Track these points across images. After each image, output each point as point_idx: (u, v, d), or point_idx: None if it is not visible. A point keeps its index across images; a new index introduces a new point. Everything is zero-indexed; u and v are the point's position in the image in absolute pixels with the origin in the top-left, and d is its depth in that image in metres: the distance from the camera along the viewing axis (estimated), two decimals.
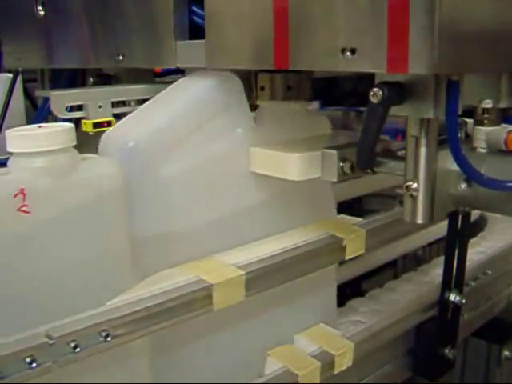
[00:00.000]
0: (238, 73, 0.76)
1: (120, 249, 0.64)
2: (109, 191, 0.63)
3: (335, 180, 0.71)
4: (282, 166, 0.74)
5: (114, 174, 0.64)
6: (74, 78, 1.07)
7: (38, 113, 1.04)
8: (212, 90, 0.74)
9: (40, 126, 0.62)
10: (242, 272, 0.68)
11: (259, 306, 0.77)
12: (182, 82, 0.78)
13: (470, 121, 0.74)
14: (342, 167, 0.70)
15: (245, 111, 0.77)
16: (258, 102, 0.82)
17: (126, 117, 0.75)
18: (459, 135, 0.62)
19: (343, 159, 0.70)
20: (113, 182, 0.63)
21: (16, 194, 0.56)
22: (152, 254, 0.69)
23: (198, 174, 0.72)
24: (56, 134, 0.59)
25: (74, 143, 0.61)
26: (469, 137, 0.74)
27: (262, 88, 0.81)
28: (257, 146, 0.76)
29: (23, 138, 0.59)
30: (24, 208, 0.56)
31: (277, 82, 0.81)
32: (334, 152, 0.70)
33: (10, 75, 1.10)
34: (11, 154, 0.59)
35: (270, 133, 0.78)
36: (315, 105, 0.88)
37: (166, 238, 0.70)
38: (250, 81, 0.81)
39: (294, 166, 0.73)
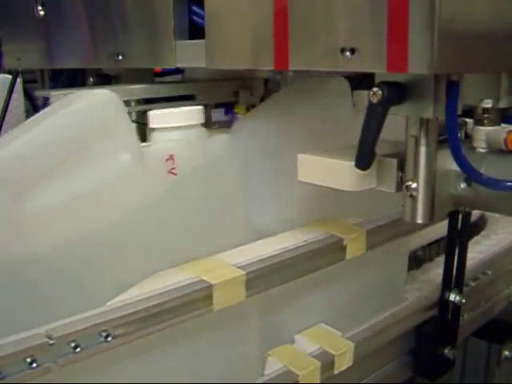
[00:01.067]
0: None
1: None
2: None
3: (393, 191, 0.65)
4: (334, 175, 0.68)
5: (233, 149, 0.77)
6: (74, 78, 1.07)
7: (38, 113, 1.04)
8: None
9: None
10: (243, 272, 0.68)
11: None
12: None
13: (469, 121, 0.74)
14: (401, 177, 0.64)
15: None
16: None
17: None
18: (459, 135, 0.62)
19: (402, 168, 0.65)
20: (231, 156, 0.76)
21: (167, 159, 0.70)
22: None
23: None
24: (190, 112, 0.74)
25: (203, 121, 0.75)
26: (468, 137, 0.74)
27: None
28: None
29: (165, 115, 0.73)
30: (173, 170, 0.70)
31: None
32: (394, 160, 0.65)
33: (9, 76, 1.10)
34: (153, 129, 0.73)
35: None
36: None
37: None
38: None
39: (348, 175, 0.66)
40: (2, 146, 0.61)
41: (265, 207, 0.80)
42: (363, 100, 0.72)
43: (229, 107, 1.10)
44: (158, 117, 0.73)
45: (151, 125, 0.73)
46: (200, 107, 0.75)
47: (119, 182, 0.66)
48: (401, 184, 0.64)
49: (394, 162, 0.65)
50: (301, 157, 0.71)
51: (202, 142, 0.76)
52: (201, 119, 0.75)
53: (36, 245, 0.59)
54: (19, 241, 0.59)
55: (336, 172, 0.68)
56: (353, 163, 0.64)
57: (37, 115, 0.69)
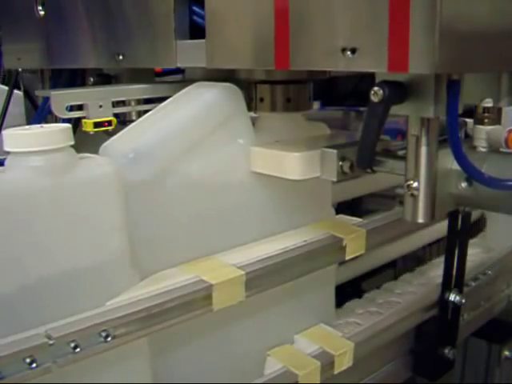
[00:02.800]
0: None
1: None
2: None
3: (335, 179, 0.71)
4: (282, 166, 0.74)
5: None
6: (73, 78, 1.07)
7: (38, 113, 1.04)
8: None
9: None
10: (242, 272, 0.68)
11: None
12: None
13: (469, 121, 0.74)
14: (342, 166, 0.70)
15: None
16: (258, 114, 0.83)
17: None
18: (459, 134, 0.62)
19: (343, 158, 0.70)
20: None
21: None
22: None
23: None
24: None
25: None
26: (469, 137, 0.74)
27: (262, 99, 0.82)
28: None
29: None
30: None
31: (277, 94, 0.81)
32: (334, 151, 0.70)
33: (6, 88, 1.10)
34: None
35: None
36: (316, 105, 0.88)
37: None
38: (249, 91, 0.82)
39: (294, 165, 0.72)
40: (142, 134, 0.71)
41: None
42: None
43: None
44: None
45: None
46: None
47: (238, 163, 0.76)
48: (341, 173, 0.70)
49: (335, 152, 0.70)
50: (253, 149, 0.76)
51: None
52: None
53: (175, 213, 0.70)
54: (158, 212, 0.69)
55: (283, 162, 0.73)
56: (298, 154, 0.71)
57: (164, 104, 0.77)
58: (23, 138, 0.59)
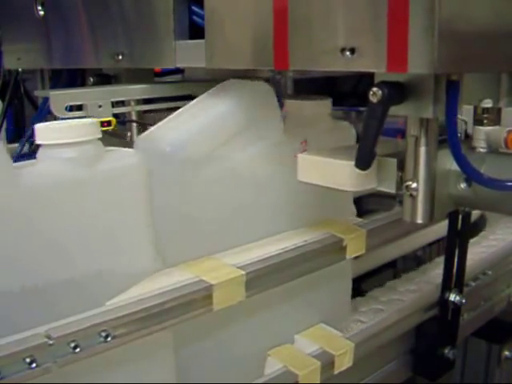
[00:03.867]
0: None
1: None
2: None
3: (393, 191, 0.65)
4: (334, 176, 0.68)
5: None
6: (73, 78, 1.07)
7: (38, 113, 1.04)
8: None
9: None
10: (243, 272, 0.68)
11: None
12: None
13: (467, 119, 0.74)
14: (401, 177, 0.65)
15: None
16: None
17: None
18: (459, 135, 0.62)
19: (401, 168, 0.65)
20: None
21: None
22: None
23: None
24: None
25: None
26: (468, 137, 0.74)
27: None
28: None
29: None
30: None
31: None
32: (394, 160, 0.65)
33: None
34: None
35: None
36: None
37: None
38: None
39: (348, 175, 0.66)
40: (175, 128, 0.72)
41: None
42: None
43: None
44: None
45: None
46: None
47: (266, 160, 0.76)
48: (400, 183, 0.64)
49: (394, 161, 0.65)
50: (300, 157, 0.71)
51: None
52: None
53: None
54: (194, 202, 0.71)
55: (336, 172, 0.67)
56: (353, 163, 0.64)
57: (196, 101, 0.77)
58: (55, 131, 0.62)
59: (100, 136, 0.64)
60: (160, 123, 0.75)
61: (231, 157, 0.74)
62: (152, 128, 0.74)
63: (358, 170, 0.64)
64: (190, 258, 0.71)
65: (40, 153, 0.62)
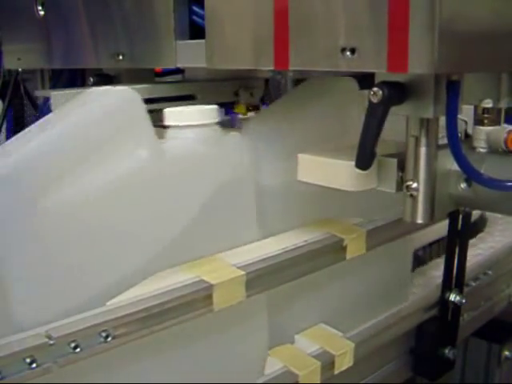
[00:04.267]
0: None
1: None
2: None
3: (393, 191, 0.65)
4: (334, 176, 0.68)
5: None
6: (73, 78, 1.07)
7: (38, 113, 1.04)
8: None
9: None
10: (243, 272, 0.68)
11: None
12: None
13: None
14: (402, 177, 0.65)
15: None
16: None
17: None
18: (459, 135, 0.62)
19: (402, 168, 0.65)
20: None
21: None
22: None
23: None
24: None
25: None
26: (469, 137, 0.74)
27: None
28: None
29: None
30: None
31: None
32: (394, 160, 0.65)
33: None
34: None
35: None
36: None
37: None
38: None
39: (348, 175, 0.66)
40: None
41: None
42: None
43: (229, 107, 1.10)
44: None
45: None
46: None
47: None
48: (401, 184, 0.64)
49: (394, 161, 0.65)
50: (301, 157, 0.72)
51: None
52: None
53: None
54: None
55: (336, 172, 0.68)
56: (353, 163, 0.64)
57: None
58: (185, 114, 0.72)
59: (218, 120, 0.73)
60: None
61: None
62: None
63: (358, 170, 0.64)
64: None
65: (169, 133, 0.71)
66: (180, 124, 0.71)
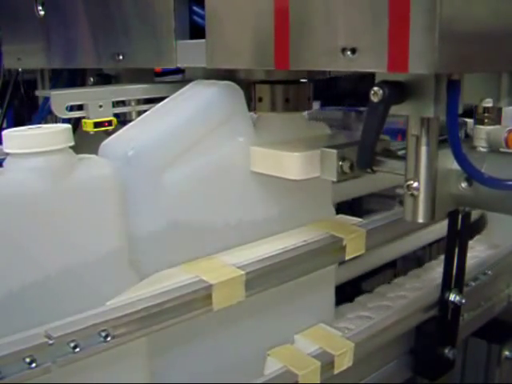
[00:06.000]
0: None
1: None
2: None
3: (335, 179, 0.71)
4: (281, 165, 0.74)
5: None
6: (73, 78, 1.07)
7: (38, 113, 1.04)
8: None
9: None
10: (242, 272, 0.68)
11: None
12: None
13: (469, 121, 0.74)
14: (342, 166, 0.70)
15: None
16: (257, 114, 0.82)
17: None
18: (459, 134, 0.62)
19: (343, 158, 0.70)
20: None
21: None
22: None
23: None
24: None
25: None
26: (469, 137, 0.73)
27: (260, 99, 0.81)
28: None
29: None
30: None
31: (276, 94, 0.81)
32: (334, 151, 0.70)
33: None
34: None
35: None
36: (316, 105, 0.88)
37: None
38: (249, 91, 0.81)
39: (293, 165, 0.72)
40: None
41: None
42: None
43: None
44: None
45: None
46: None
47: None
48: (341, 173, 0.70)
49: (335, 152, 0.70)
50: (253, 149, 0.76)
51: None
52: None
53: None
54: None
55: (283, 162, 0.73)
56: (298, 154, 0.71)
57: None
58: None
59: (72, 144, 0.61)
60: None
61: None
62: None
63: (302, 160, 0.71)
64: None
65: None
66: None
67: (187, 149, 0.71)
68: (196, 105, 0.74)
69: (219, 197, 0.75)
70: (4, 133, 0.59)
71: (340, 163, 0.70)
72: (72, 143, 0.61)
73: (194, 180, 0.72)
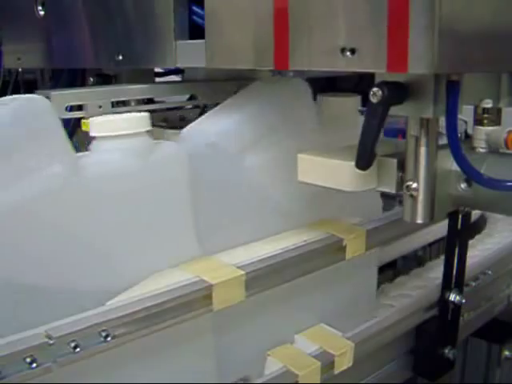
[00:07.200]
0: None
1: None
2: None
3: (393, 191, 0.65)
4: (333, 176, 0.68)
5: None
6: (74, 78, 1.07)
7: None
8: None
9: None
10: (242, 272, 0.68)
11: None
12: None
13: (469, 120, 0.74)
14: (401, 177, 0.65)
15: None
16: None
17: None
18: (459, 135, 0.62)
19: (402, 168, 0.65)
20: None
21: None
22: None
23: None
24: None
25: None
26: (469, 137, 0.73)
27: None
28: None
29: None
30: None
31: None
32: (394, 160, 0.65)
33: None
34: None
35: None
36: None
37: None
38: None
39: (347, 175, 0.66)
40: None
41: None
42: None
43: None
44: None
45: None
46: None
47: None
48: (401, 184, 0.64)
49: (394, 162, 0.65)
50: (301, 157, 0.71)
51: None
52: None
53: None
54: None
55: (336, 172, 0.68)
56: (353, 163, 0.64)
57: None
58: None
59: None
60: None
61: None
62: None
63: (358, 170, 0.64)
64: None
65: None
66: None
67: (259, 138, 0.76)
68: (266, 99, 0.79)
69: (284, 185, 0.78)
70: (91, 119, 0.65)
71: (400, 174, 0.64)
72: (150, 127, 0.67)
73: (270, 163, 0.77)
